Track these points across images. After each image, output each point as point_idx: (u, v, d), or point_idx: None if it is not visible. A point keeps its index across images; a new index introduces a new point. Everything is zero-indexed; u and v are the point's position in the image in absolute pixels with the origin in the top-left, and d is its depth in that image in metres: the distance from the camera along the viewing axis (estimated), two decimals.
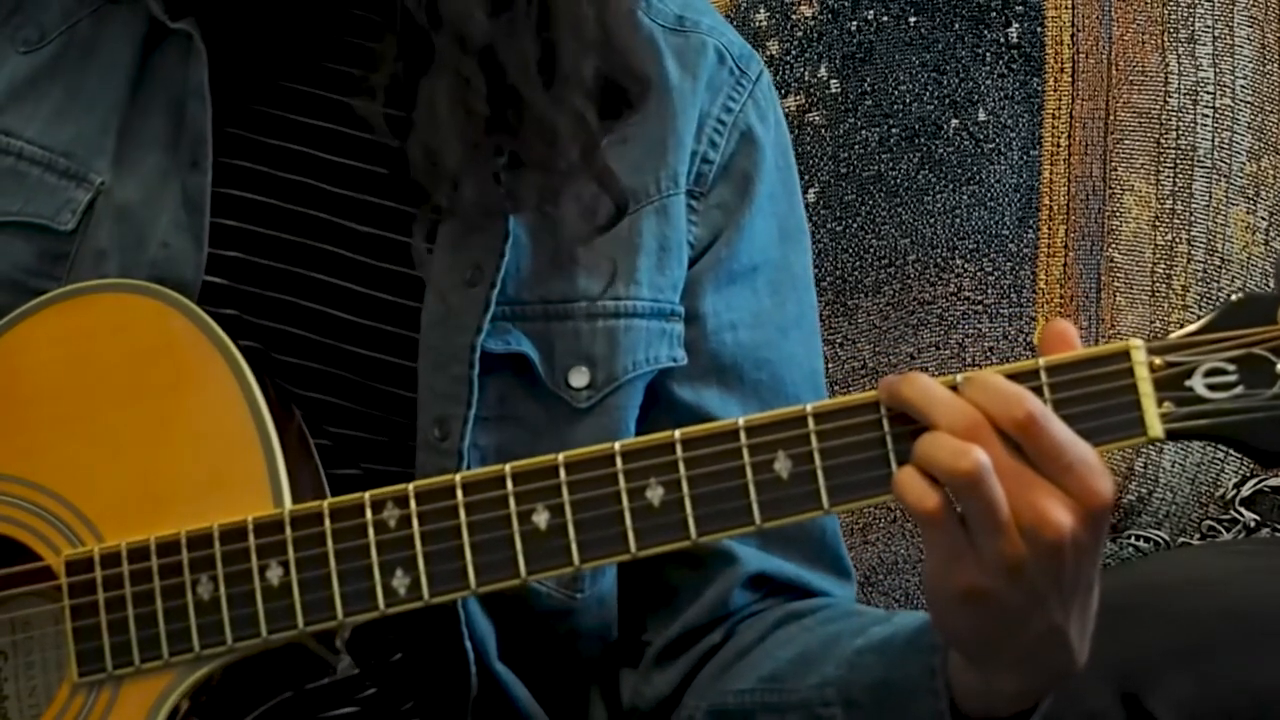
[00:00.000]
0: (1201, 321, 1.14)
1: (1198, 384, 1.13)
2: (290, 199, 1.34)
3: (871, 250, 1.98)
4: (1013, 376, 1.13)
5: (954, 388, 1.13)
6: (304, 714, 1.31)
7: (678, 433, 1.16)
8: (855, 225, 1.97)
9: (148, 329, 1.26)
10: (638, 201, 1.37)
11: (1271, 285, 2.04)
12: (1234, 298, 1.14)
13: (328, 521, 1.19)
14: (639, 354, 1.38)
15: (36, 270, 1.32)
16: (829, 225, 1.96)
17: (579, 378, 1.36)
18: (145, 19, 1.34)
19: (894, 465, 1.14)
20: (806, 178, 1.94)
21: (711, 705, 1.37)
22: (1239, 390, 1.13)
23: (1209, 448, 2.08)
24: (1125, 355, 1.13)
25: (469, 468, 1.31)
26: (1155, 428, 1.13)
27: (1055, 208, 2.06)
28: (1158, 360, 1.13)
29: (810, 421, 1.15)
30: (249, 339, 1.30)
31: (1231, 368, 1.13)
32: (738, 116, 1.43)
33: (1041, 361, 1.13)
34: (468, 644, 1.33)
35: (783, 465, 1.15)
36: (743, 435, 1.15)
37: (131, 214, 1.32)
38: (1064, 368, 1.13)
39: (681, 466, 1.16)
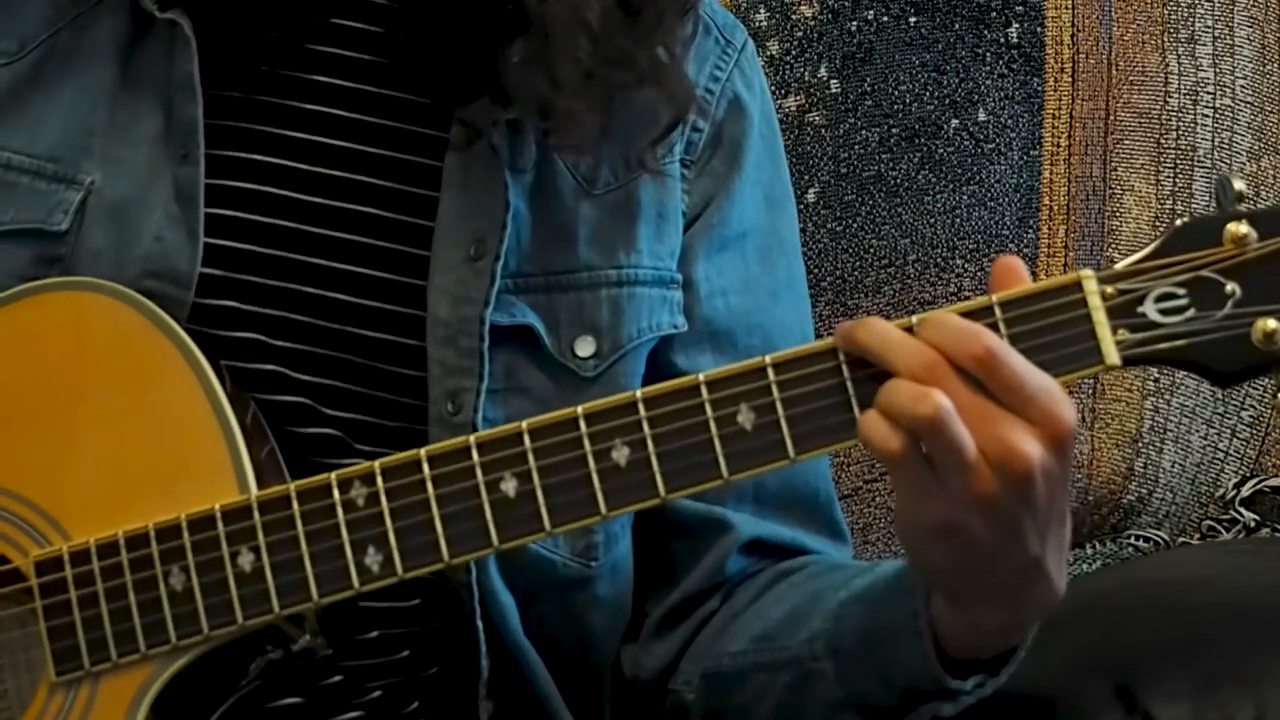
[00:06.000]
0: (1149, 248, 1.15)
1: (1150, 310, 1.13)
2: (284, 185, 1.34)
3: (871, 250, 1.97)
4: (967, 314, 1.13)
5: (910, 330, 1.13)
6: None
7: (639, 392, 1.17)
8: (855, 225, 1.96)
9: (100, 325, 1.26)
10: (631, 170, 1.39)
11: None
12: (1179, 222, 1.15)
13: (295, 504, 1.19)
14: (642, 321, 1.38)
15: (33, 275, 1.31)
16: (829, 225, 1.96)
17: (585, 347, 1.36)
18: (128, 19, 1.34)
19: (856, 410, 1.14)
20: (806, 178, 1.94)
21: (706, 668, 1.37)
22: (1191, 314, 1.13)
23: (1209, 447, 2.06)
24: (1077, 286, 1.13)
25: None
26: (1112, 355, 1.13)
27: (1055, 208, 2.04)
28: (1109, 289, 1.13)
29: (770, 372, 1.15)
30: (249, 329, 1.31)
31: (1182, 291, 1.13)
32: (725, 85, 1.45)
33: (995, 297, 1.14)
34: (479, 623, 1.33)
35: (746, 417, 1.15)
36: (704, 390, 1.16)
37: (123, 210, 1.32)
38: (1017, 302, 1.14)
39: (645, 425, 1.16)
